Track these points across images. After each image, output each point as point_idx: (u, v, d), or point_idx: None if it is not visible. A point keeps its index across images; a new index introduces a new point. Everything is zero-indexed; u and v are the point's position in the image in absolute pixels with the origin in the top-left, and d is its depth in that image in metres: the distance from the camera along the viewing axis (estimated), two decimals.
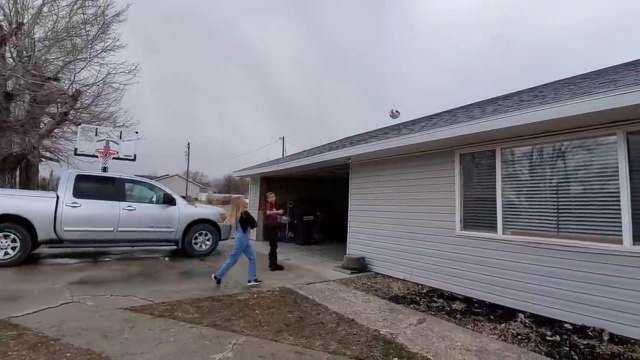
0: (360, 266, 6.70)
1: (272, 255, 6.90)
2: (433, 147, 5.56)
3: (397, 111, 7.40)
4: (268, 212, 7.17)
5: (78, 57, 10.88)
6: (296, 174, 11.25)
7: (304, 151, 13.95)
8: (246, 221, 5.78)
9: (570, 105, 3.61)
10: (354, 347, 3.23)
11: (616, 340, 3.42)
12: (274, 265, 6.83)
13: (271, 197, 7.30)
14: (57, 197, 6.80)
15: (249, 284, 5.52)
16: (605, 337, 3.45)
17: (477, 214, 5.06)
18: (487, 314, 4.29)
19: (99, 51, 11.13)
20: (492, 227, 4.76)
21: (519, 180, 4.57)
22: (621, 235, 3.56)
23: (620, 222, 3.58)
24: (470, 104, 8.41)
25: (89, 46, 10.84)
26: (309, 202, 12.48)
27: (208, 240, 8.27)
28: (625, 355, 3.12)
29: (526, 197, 4.47)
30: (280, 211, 7.35)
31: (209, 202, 42.14)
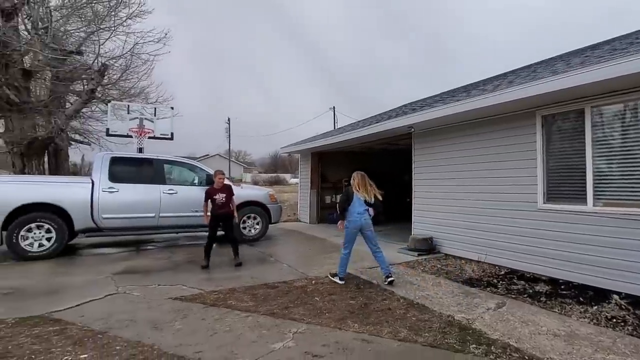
0: (428, 247, 7.42)
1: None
2: (510, 109, 5.96)
3: None
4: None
5: (101, 27, 11.98)
6: (351, 147, 12.04)
7: (359, 121, 14.60)
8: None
9: None
10: (426, 334, 3.65)
11: None
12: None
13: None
14: (92, 183, 7.70)
15: (388, 280, 5.44)
16: None
17: (562, 185, 5.48)
18: (575, 296, 4.79)
19: (124, 18, 12.22)
20: (581, 199, 5.18)
21: (613, 144, 4.90)
22: None
23: None
24: (551, 58, 8.57)
25: (112, 13, 11.94)
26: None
27: (257, 224, 9.34)
28: None
29: (621, 162, 4.80)
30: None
31: (255, 183, 44.90)
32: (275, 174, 62.14)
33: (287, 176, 61.96)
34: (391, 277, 5.43)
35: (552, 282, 5.40)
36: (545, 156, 5.69)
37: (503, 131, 6.31)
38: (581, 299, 4.68)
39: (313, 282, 5.60)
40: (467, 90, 8.36)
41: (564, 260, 5.38)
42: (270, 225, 9.68)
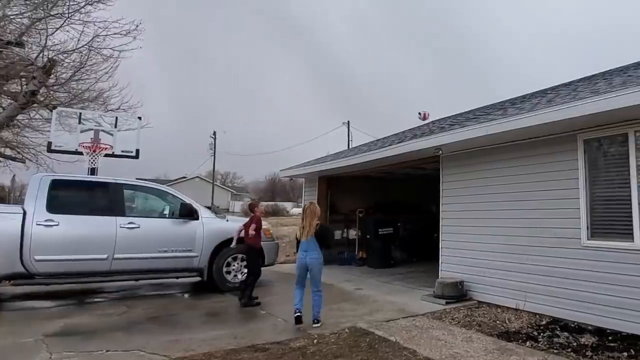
0: (457, 293, 8.39)
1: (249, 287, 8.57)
2: (548, 131, 7.05)
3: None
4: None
5: (51, 13, 12.58)
6: (367, 171, 13.18)
7: (377, 140, 15.83)
8: (324, 237, 7.19)
9: None
10: None
11: None
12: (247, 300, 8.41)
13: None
14: (24, 213, 7.97)
15: (315, 325, 6.80)
16: None
17: (608, 218, 6.53)
18: (625, 348, 5.66)
19: (82, 4, 12.83)
20: (627, 234, 6.20)
21: None
22: None
23: None
24: (594, 75, 9.89)
25: None
26: (387, 209, 14.56)
27: (245, 267, 9.60)
28: None
29: None
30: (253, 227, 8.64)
31: (246, 213, 45.74)
32: (272, 202, 63.51)
33: (287, 205, 64.42)
34: (316, 323, 6.79)
35: (599, 332, 6.33)
36: (589, 185, 6.74)
37: (541, 156, 7.37)
38: (632, 351, 5.53)
39: (315, 341, 6.05)
40: (504, 107, 9.53)
41: (610, 306, 6.31)
42: (263, 269, 9.89)
